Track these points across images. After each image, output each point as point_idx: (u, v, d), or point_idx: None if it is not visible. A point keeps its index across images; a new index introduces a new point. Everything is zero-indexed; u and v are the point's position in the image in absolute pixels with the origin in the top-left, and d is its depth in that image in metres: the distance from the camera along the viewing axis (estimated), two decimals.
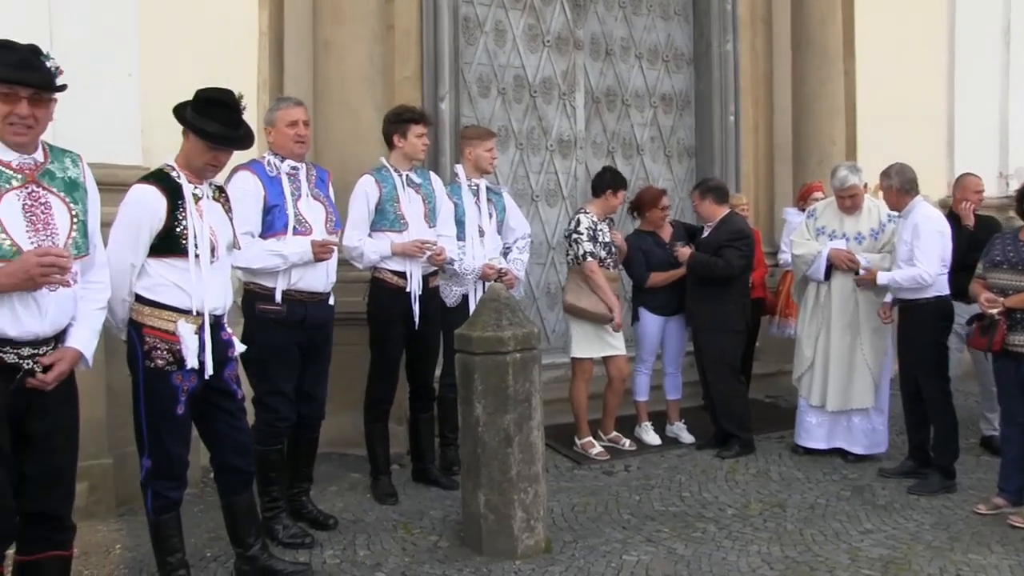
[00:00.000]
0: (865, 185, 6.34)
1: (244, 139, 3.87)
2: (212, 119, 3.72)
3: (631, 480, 5.84)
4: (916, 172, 5.78)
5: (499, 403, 4.40)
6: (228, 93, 3.81)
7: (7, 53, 3.09)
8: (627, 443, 6.50)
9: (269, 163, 4.57)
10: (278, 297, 4.51)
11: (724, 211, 6.55)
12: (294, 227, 4.52)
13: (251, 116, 4.89)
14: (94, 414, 4.67)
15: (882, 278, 5.74)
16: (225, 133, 3.76)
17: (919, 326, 5.65)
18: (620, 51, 8.37)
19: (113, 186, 4.16)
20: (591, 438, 6.40)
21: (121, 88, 5.29)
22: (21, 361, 3.08)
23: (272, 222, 4.50)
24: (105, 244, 3.54)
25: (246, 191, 4.45)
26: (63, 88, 3.19)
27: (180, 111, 3.77)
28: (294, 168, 4.63)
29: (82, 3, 5.16)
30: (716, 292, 6.37)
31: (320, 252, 4.52)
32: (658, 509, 5.26)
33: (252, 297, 4.57)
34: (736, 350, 6.56)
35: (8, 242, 3.02)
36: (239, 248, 4.16)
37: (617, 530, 4.89)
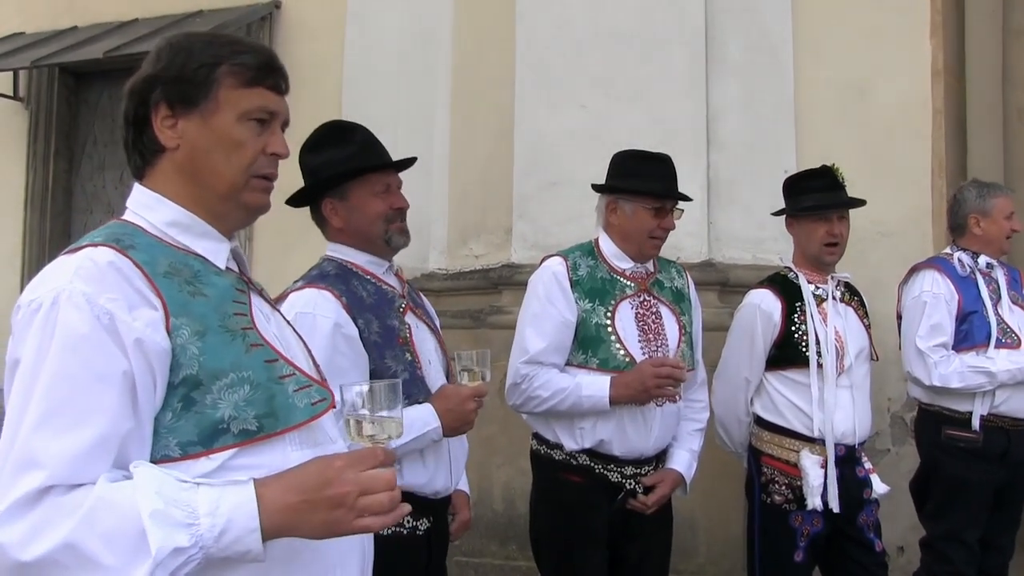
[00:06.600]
0: None
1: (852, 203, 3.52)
2: (808, 192, 3.46)
3: None
4: None
5: None
6: (824, 167, 3.53)
7: (658, 166, 3.09)
8: None
9: (960, 260, 3.85)
10: (975, 423, 3.71)
11: None
12: (998, 338, 3.71)
13: (924, 202, 4.28)
14: (730, 532, 4.35)
15: None
16: (830, 200, 3.42)
17: None
18: None
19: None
20: None
21: (775, 184, 4.98)
22: (624, 481, 2.94)
23: (969, 332, 3.75)
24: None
25: (936, 295, 3.76)
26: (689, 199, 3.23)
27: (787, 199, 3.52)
28: (989, 266, 3.86)
29: (737, 98, 5.05)
30: None
31: None
32: None
33: (937, 420, 3.82)
34: None
35: (622, 352, 2.89)
36: (876, 359, 3.55)
37: None
